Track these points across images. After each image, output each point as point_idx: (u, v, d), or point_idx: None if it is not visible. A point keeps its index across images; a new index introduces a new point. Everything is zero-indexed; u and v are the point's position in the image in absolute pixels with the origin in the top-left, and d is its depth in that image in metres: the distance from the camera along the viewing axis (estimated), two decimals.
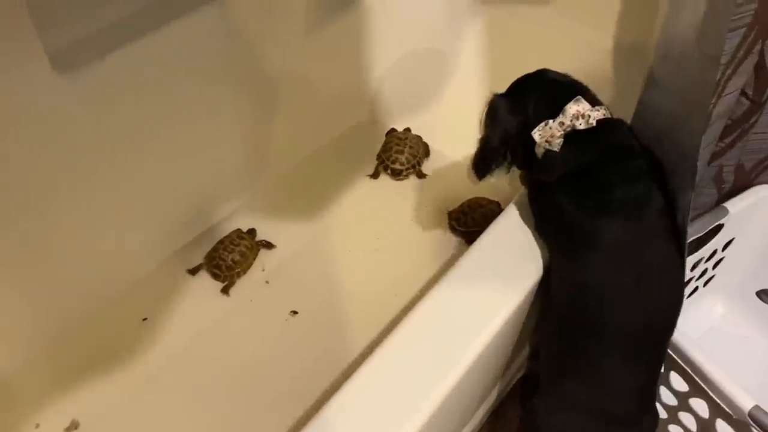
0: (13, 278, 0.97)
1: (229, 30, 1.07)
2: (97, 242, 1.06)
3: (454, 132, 1.32)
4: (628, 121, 0.87)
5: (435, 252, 1.19)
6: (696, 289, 1.14)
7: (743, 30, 0.70)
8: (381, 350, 0.75)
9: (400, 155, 1.30)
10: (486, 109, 0.89)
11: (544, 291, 0.87)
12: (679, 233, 0.79)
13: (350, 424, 0.68)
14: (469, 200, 1.23)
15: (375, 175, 1.33)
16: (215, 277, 1.16)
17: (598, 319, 0.80)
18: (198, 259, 1.18)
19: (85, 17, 0.86)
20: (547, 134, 0.82)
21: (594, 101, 0.83)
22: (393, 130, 1.38)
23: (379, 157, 1.34)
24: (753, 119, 0.85)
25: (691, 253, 1.01)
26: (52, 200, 0.96)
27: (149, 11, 0.92)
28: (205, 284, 1.16)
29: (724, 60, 0.69)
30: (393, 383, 0.72)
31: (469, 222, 1.19)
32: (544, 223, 0.87)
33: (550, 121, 0.82)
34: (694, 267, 1.06)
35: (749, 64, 0.76)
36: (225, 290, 1.15)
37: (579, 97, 0.81)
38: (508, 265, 0.84)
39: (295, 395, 1.00)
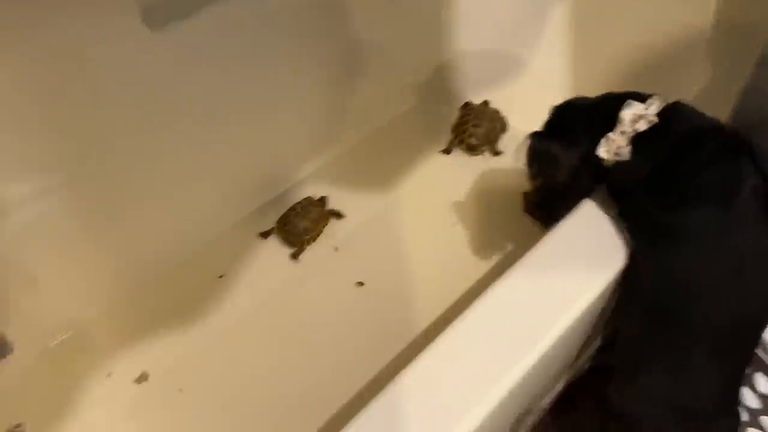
0: (96, 231, 1.00)
1: None
2: (175, 200, 1.07)
3: (534, 108, 1.27)
4: (731, 103, 0.81)
5: (508, 232, 1.16)
6: None
7: None
8: (453, 329, 0.73)
9: (477, 129, 1.26)
10: (530, 154, 0.89)
11: (627, 281, 0.83)
12: None
13: (417, 402, 0.67)
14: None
15: (447, 151, 1.30)
16: (286, 242, 1.16)
17: (685, 311, 0.76)
18: (269, 223, 1.19)
19: None
20: (613, 147, 0.80)
21: (643, 97, 0.80)
22: (468, 103, 1.34)
23: (454, 130, 1.30)
24: None
25: None
26: (134, 155, 0.98)
27: None
28: (276, 248, 1.16)
29: None
30: (463, 365, 0.70)
31: (545, 205, 1.16)
32: (628, 221, 0.83)
33: (610, 134, 0.80)
34: None
35: None
36: (295, 256, 1.15)
37: (629, 101, 0.79)
38: (589, 253, 0.81)
39: (358, 365, 0.99)
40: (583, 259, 0.80)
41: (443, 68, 1.37)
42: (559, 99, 0.96)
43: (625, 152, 0.79)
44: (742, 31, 0.98)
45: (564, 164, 0.85)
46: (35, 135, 0.87)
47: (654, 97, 0.79)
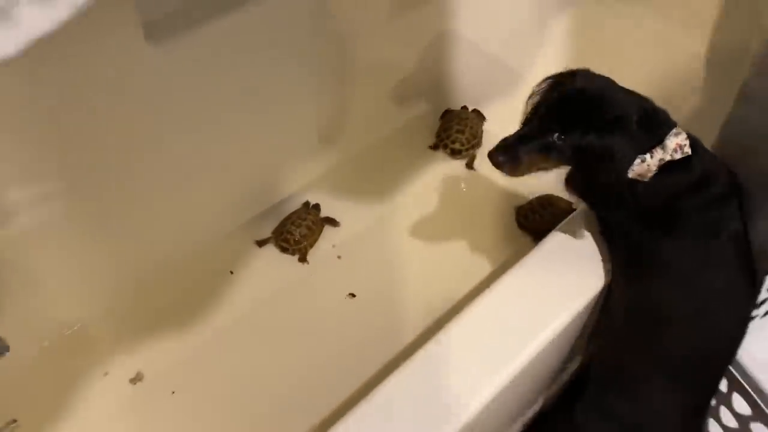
0: (95, 236, 1.03)
1: (314, 11, 1.07)
2: (172, 207, 1.10)
3: None
4: (714, 133, 0.83)
5: (499, 246, 1.19)
6: None
7: None
8: (431, 345, 0.76)
9: (461, 135, 1.31)
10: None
11: (603, 303, 0.86)
12: (752, 259, 0.77)
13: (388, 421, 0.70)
14: (540, 198, 1.22)
15: (434, 147, 1.35)
16: (283, 250, 1.19)
17: (652, 339, 0.79)
18: (265, 232, 1.22)
19: None
20: (643, 170, 0.76)
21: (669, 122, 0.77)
22: (449, 110, 1.39)
23: (438, 135, 1.34)
24: None
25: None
26: (136, 161, 1.01)
27: None
28: (272, 256, 1.19)
29: None
30: (437, 380, 0.73)
31: (537, 220, 1.18)
32: (609, 236, 0.86)
33: (648, 157, 0.74)
34: None
35: None
36: (302, 259, 1.19)
37: (679, 129, 0.75)
38: (570, 273, 0.83)
39: (345, 374, 1.02)
40: (564, 279, 0.82)
41: (440, 82, 1.39)
42: None
43: (649, 176, 0.76)
44: (732, 60, 0.99)
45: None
46: (38, 143, 0.89)
47: (679, 127, 0.76)
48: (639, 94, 0.78)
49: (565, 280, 0.82)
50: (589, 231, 0.87)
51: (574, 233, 0.87)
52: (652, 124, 0.76)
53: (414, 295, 1.13)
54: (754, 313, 1.05)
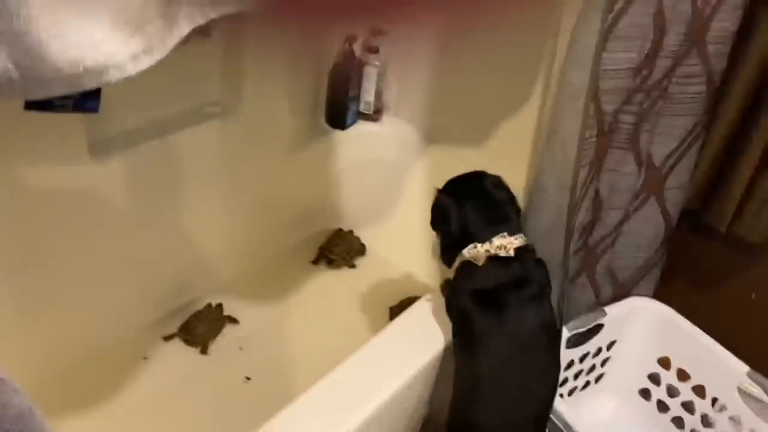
0: (28, 320, 1.17)
1: (227, 142, 1.36)
2: (95, 300, 1.26)
3: (398, 241, 1.60)
4: None
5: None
6: (588, 383, 1.36)
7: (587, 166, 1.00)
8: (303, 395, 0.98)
9: (335, 248, 1.62)
10: (436, 207, 1.09)
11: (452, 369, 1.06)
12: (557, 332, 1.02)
13: None
14: (408, 298, 1.48)
15: (315, 262, 1.63)
16: (187, 343, 1.36)
17: (479, 407, 0.99)
18: (172, 329, 1.39)
19: (122, 118, 1.14)
20: (473, 254, 1.01)
21: (518, 227, 1.04)
22: (340, 230, 1.69)
23: (320, 248, 1.64)
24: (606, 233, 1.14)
25: (576, 345, 1.24)
26: (67, 257, 1.18)
27: (171, 120, 1.21)
28: (178, 348, 1.37)
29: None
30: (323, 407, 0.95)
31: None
32: (452, 315, 1.07)
33: (479, 245, 1.00)
34: (582, 359, 1.29)
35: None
36: (203, 351, 1.36)
37: (505, 233, 1.00)
38: (418, 336, 1.08)
39: None
40: (414, 342, 1.07)
41: (331, 208, 1.69)
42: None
43: (480, 260, 0.99)
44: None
45: (456, 222, 1.04)
46: None
47: (520, 235, 1.01)
48: (508, 197, 1.07)
49: (413, 344, 1.06)
50: (435, 310, 1.12)
51: (423, 311, 1.13)
52: (493, 221, 1.02)
53: (302, 377, 1.32)
54: (573, 385, 1.32)
